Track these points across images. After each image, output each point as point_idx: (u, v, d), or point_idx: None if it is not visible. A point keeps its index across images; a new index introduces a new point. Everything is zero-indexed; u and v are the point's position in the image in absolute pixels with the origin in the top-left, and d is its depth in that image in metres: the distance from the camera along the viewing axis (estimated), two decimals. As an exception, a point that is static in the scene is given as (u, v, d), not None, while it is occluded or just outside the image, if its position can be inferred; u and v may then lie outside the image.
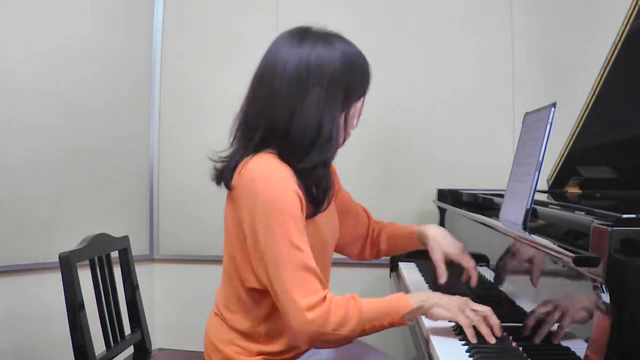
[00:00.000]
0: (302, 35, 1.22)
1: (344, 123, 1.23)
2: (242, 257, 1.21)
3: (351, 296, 1.13)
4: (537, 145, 1.21)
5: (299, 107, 1.16)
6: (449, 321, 1.16)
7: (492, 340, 1.11)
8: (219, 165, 1.26)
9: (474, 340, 1.10)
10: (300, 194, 1.16)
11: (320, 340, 1.11)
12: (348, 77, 1.20)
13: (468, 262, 1.42)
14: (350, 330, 1.10)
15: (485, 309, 1.15)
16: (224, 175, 1.23)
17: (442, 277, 1.41)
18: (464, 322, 1.12)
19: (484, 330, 1.11)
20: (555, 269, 1.04)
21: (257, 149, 1.20)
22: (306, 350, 1.31)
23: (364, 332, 1.13)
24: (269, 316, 1.24)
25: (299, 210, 1.14)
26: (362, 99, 1.26)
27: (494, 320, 1.13)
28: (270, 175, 1.14)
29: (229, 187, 1.21)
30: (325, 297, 1.10)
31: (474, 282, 1.41)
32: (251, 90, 1.24)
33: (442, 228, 1.51)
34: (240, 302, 1.25)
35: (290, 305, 1.09)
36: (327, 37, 1.22)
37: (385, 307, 1.14)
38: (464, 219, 1.77)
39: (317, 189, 1.21)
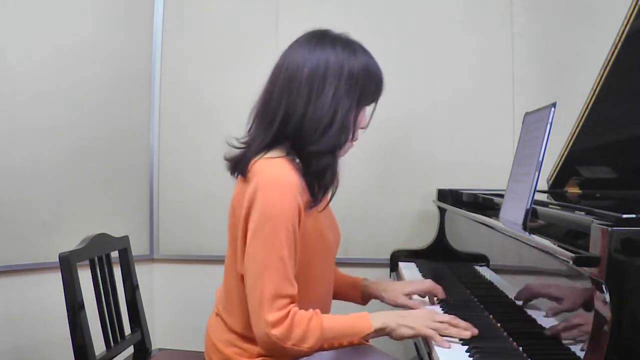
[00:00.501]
0: (322, 37, 1.26)
1: (354, 122, 1.26)
2: (242, 255, 1.22)
3: (314, 312, 1.16)
4: (537, 145, 1.21)
5: (316, 96, 1.20)
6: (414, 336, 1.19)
7: (466, 334, 1.14)
8: (236, 152, 1.27)
9: (445, 345, 1.12)
10: (301, 205, 1.17)
11: (279, 352, 1.15)
12: (364, 82, 1.24)
13: (429, 284, 1.45)
14: (308, 347, 1.14)
15: (449, 317, 1.18)
16: (241, 164, 1.23)
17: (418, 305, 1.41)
18: (428, 334, 1.15)
19: (454, 332, 1.15)
20: (555, 269, 1.04)
21: (274, 137, 1.22)
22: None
23: (322, 349, 1.17)
24: None
25: (295, 221, 1.16)
26: (372, 105, 1.30)
27: (462, 323, 1.17)
28: (275, 181, 1.16)
29: (244, 174, 1.22)
30: (289, 313, 1.13)
31: (442, 294, 1.43)
32: (269, 83, 1.27)
33: (384, 280, 1.53)
34: (240, 303, 1.25)
35: (258, 315, 1.13)
36: (349, 42, 1.26)
37: (346, 327, 1.17)
38: (464, 219, 1.77)
39: (323, 176, 1.22)
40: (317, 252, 1.25)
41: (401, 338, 1.19)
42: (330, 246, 1.33)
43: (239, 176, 1.25)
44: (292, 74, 1.22)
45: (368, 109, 1.30)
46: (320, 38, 1.25)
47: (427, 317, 1.19)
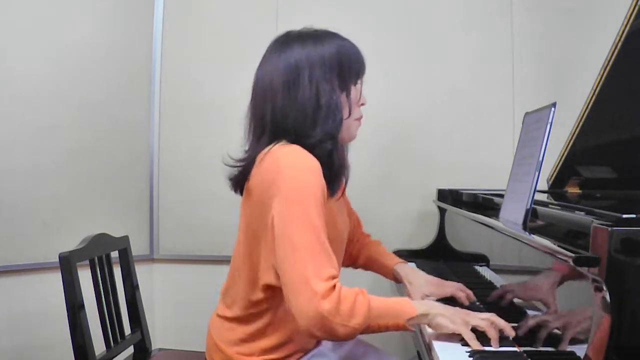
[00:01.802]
0: (286, 39, 1.27)
1: (347, 101, 1.26)
2: (264, 250, 1.20)
3: (360, 290, 1.11)
4: (537, 145, 1.21)
5: (294, 90, 1.20)
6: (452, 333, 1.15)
7: (512, 333, 1.11)
8: (235, 170, 1.26)
9: (479, 348, 1.08)
10: (325, 189, 1.16)
11: (325, 331, 1.07)
12: (340, 61, 1.24)
13: (451, 291, 1.44)
14: (357, 323, 1.07)
15: (490, 315, 1.14)
16: (243, 176, 1.23)
17: None
18: (467, 336, 1.11)
19: (493, 335, 1.10)
20: (555, 269, 1.04)
21: (271, 141, 1.21)
22: (308, 352, 1.31)
23: (368, 329, 1.11)
24: (274, 318, 1.24)
25: (322, 201, 1.14)
26: (359, 81, 1.30)
27: (502, 323, 1.12)
28: (300, 162, 1.15)
29: (247, 178, 1.21)
30: (335, 286, 1.08)
31: (464, 300, 1.42)
32: (252, 99, 1.28)
33: (417, 271, 1.53)
34: (248, 302, 1.25)
35: (303, 292, 1.06)
36: (315, 34, 1.26)
37: (391, 307, 1.14)
38: (464, 219, 1.77)
39: (331, 164, 1.21)
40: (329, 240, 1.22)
41: (439, 329, 1.14)
42: (340, 232, 1.33)
43: (257, 161, 1.22)
44: (268, 81, 1.23)
45: (357, 86, 1.29)
46: (284, 41, 1.26)
47: (467, 314, 1.15)
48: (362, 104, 1.31)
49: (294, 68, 1.21)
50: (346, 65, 1.25)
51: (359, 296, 1.10)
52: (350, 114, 1.26)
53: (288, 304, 1.10)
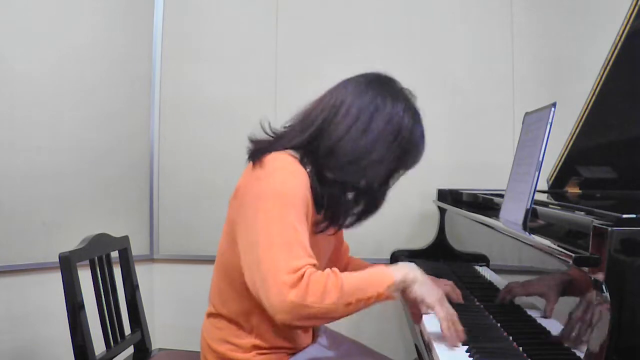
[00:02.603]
0: (387, 82, 1.28)
1: (385, 179, 1.28)
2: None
3: (331, 270, 1.10)
4: (537, 145, 1.21)
5: (359, 128, 1.20)
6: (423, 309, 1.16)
7: (458, 343, 1.11)
8: (262, 137, 1.27)
9: (448, 333, 1.10)
10: (310, 202, 1.17)
11: (302, 316, 1.06)
12: (409, 143, 1.26)
13: (445, 290, 1.42)
14: (332, 302, 1.05)
15: (454, 312, 1.15)
16: (262, 150, 1.23)
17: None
18: (441, 314, 1.12)
19: (445, 328, 1.11)
20: (555, 269, 1.04)
21: (301, 144, 1.22)
22: (303, 349, 1.31)
23: (350, 307, 1.08)
24: (263, 316, 1.22)
25: (305, 210, 1.14)
26: (404, 171, 1.32)
27: (459, 327, 1.13)
28: (288, 171, 1.16)
29: (256, 161, 1.20)
30: (304, 274, 1.06)
31: (457, 299, 1.42)
32: (319, 99, 1.27)
33: (408, 265, 1.52)
34: (236, 292, 1.25)
35: (272, 281, 1.05)
36: (411, 106, 1.29)
37: (366, 278, 1.12)
38: (464, 219, 1.77)
39: (329, 205, 1.21)
40: None
41: (413, 297, 1.13)
42: (320, 251, 1.30)
43: (248, 165, 1.23)
44: (348, 100, 1.22)
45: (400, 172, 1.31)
46: (384, 84, 1.27)
47: (442, 295, 1.16)
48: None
49: (373, 111, 1.21)
50: (412, 151, 1.27)
51: (330, 275, 1.08)
52: (382, 194, 1.29)
53: (262, 303, 1.08)
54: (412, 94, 1.30)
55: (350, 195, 1.25)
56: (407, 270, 1.15)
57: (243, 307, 1.25)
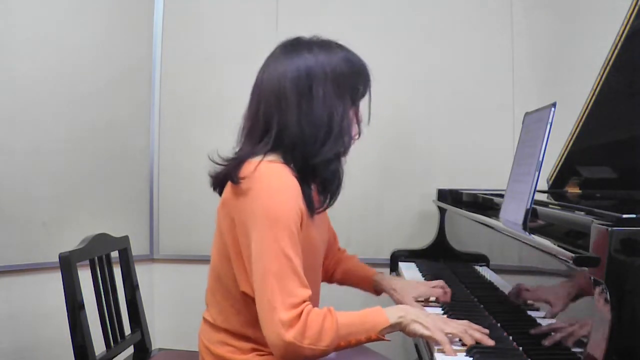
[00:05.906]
0: (295, 43, 1.24)
1: (355, 119, 1.26)
2: (237, 259, 1.21)
3: (327, 310, 1.12)
4: (537, 145, 1.21)
5: (307, 104, 1.18)
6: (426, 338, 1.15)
7: (490, 342, 1.11)
8: (219, 169, 1.25)
9: (453, 355, 1.08)
10: (303, 210, 1.16)
11: (296, 354, 1.09)
12: (350, 76, 1.22)
13: (436, 292, 1.44)
14: (325, 345, 1.09)
15: (464, 322, 1.15)
16: (226, 177, 1.22)
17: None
18: (441, 339, 1.11)
19: (468, 341, 1.11)
20: (555, 269, 1.04)
21: (266, 151, 1.19)
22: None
23: (340, 346, 1.12)
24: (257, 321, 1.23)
25: (297, 225, 1.14)
26: (366, 96, 1.28)
27: (477, 335, 1.12)
28: (278, 187, 1.14)
29: (235, 181, 1.19)
30: (302, 313, 1.09)
31: (446, 299, 1.43)
32: (254, 100, 1.25)
33: (397, 277, 1.55)
34: (232, 303, 1.25)
35: (270, 319, 1.08)
36: (324, 42, 1.24)
37: (362, 322, 1.13)
38: (464, 219, 1.77)
39: (331, 183, 1.21)
40: (304, 256, 1.21)
41: (414, 335, 1.15)
42: (317, 249, 1.31)
43: (230, 182, 1.21)
44: (275, 86, 1.19)
45: (363, 102, 1.28)
46: (294, 45, 1.23)
47: (442, 321, 1.16)
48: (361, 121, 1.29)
49: (306, 77, 1.18)
50: (357, 82, 1.23)
51: (327, 317, 1.10)
52: (359, 134, 1.26)
53: (261, 329, 1.11)
54: (316, 37, 1.26)
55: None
56: (403, 314, 1.15)
57: (242, 319, 1.25)
